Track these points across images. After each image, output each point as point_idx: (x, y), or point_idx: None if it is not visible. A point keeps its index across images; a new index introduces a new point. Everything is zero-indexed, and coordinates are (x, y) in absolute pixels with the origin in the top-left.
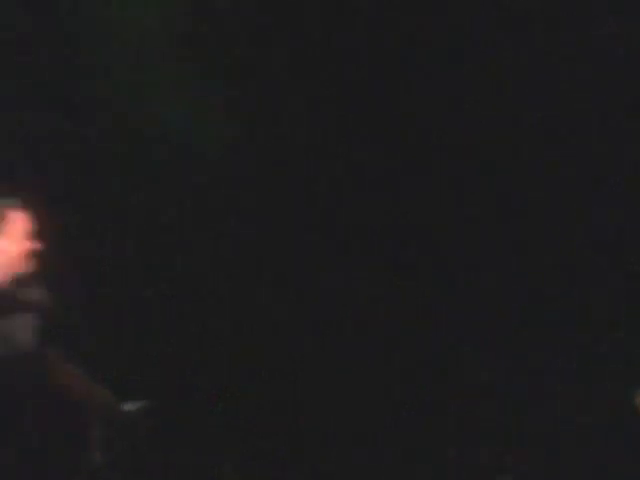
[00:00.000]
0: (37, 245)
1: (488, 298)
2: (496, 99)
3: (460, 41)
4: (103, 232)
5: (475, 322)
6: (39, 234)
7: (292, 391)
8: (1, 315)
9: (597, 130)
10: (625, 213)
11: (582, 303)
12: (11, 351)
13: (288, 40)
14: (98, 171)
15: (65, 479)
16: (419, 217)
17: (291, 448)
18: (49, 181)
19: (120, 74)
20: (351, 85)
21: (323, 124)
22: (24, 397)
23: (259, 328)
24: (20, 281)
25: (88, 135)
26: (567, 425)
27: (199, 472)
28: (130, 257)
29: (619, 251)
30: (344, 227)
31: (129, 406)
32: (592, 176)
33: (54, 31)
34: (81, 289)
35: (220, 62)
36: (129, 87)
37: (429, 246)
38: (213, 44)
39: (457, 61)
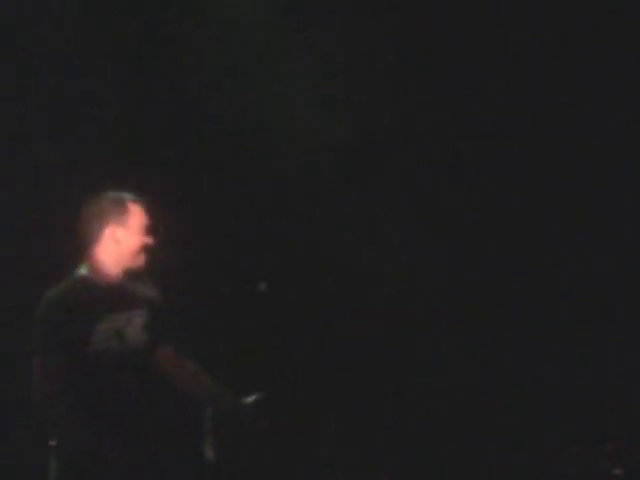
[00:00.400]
0: (151, 241)
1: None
2: None
3: None
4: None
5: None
6: (153, 230)
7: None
8: (115, 309)
9: None
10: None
11: None
12: (122, 346)
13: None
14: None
15: (177, 471)
16: None
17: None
18: (164, 179)
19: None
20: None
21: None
22: (132, 392)
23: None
24: (134, 275)
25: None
26: None
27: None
28: (238, 253)
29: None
30: None
31: (246, 399)
32: None
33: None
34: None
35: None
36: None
37: None
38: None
39: None
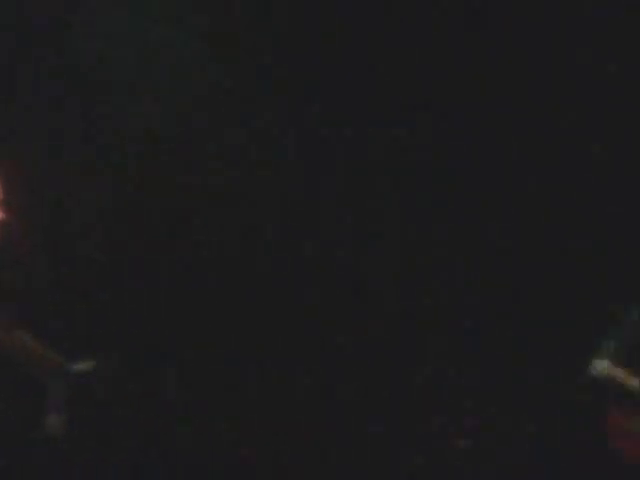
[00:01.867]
0: (4, 215)
1: None
2: None
3: None
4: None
5: None
6: (7, 205)
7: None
8: None
9: None
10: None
11: None
12: None
13: None
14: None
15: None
16: None
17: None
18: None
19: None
20: None
21: None
22: None
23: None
24: None
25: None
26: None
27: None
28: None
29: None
30: None
31: (79, 366)
32: None
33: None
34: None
35: None
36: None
37: None
38: None
39: None
